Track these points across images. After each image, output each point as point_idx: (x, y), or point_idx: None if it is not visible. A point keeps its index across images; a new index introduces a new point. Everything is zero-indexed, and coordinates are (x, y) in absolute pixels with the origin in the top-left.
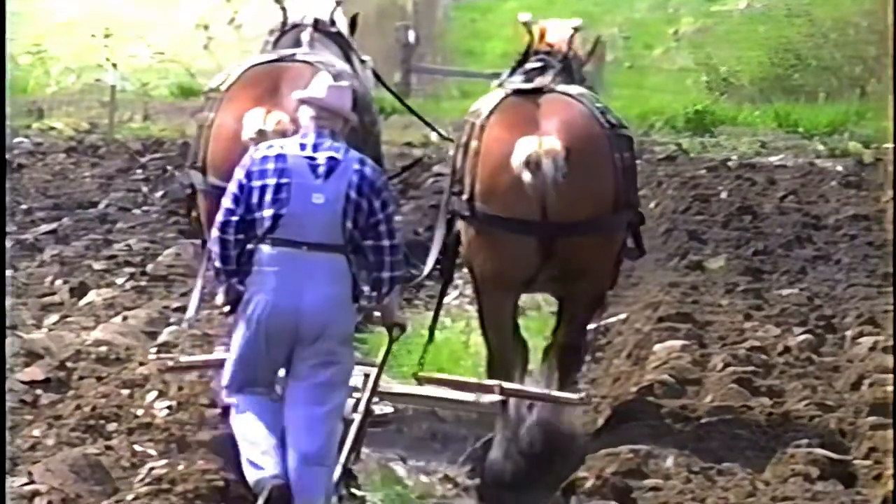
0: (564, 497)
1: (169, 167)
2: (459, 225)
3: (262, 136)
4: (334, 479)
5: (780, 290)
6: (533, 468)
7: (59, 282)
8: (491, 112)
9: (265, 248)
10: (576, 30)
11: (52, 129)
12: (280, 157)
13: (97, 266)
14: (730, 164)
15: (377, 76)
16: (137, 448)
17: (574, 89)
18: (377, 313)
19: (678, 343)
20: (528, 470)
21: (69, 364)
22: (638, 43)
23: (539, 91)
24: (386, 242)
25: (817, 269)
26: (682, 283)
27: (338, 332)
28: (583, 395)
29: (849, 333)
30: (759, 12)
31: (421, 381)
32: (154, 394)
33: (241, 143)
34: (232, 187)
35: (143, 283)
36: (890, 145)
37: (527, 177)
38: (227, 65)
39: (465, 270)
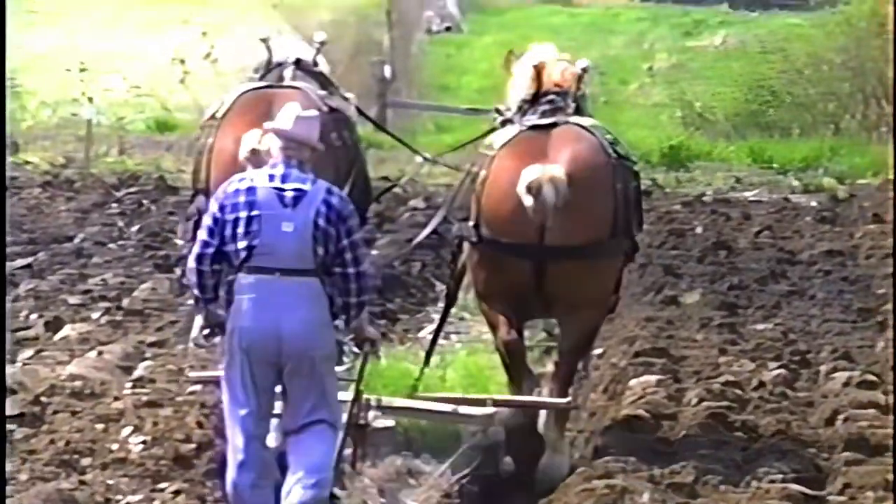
0: None
1: (144, 201)
2: (466, 249)
3: (255, 154)
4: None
5: (755, 325)
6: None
7: (34, 316)
8: (503, 145)
9: (242, 277)
10: (584, 70)
11: (28, 163)
12: (250, 190)
13: (72, 300)
14: (705, 199)
15: (361, 112)
16: (111, 483)
17: (587, 121)
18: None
19: (653, 378)
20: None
21: (43, 399)
22: (613, 79)
23: (553, 124)
24: (352, 270)
25: (792, 305)
26: (658, 317)
27: (319, 352)
28: (569, 399)
29: (823, 368)
30: (733, 49)
31: (417, 399)
32: (129, 429)
33: (240, 164)
34: (207, 220)
35: (118, 318)
36: (865, 181)
37: (528, 201)
38: (203, 99)
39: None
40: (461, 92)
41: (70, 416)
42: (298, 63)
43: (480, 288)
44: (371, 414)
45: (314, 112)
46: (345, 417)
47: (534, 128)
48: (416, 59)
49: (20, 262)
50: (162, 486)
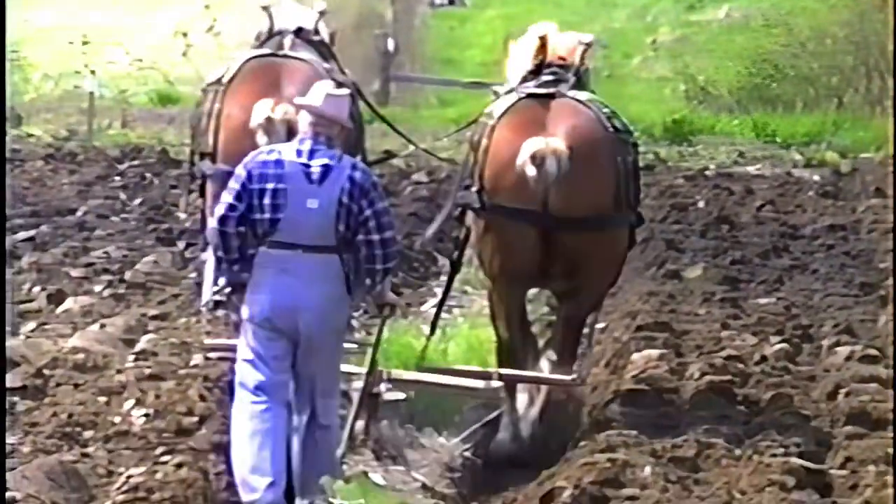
0: None
1: (147, 174)
2: (469, 218)
3: (270, 123)
4: (339, 454)
5: (757, 300)
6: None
7: (36, 289)
8: (503, 113)
9: (264, 251)
10: (588, 45)
11: (31, 135)
12: (278, 163)
13: (75, 273)
14: (707, 173)
15: (358, 91)
16: (113, 455)
17: (584, 95)
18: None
19: (656, 352)
20: (531, 453)
21: (46, 371)
22: (617, 52)
23: (551, 96)
24: (376, 237)
25: (794, 279)
26: (660, 292)
27: (334, 327)
28: (575, 376)
29: (825, 343)
30: (737, 22)
31: (423, 372)
32: (131, 402)
33: (249, 131)
34: (233, 184)
35: (120, 291)
36: (868, 155)
37: (531, 171)
38: (205, 72)
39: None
40: (464, 66)
41: (72, 389)
42: (299, 32)
43: (485, 255)
44: (383, 385)
45: (345, 91)
46: (360, 386)
47: (532, 96)
48: (419, 32)
49: (23, 234)
50: (164, 458)
